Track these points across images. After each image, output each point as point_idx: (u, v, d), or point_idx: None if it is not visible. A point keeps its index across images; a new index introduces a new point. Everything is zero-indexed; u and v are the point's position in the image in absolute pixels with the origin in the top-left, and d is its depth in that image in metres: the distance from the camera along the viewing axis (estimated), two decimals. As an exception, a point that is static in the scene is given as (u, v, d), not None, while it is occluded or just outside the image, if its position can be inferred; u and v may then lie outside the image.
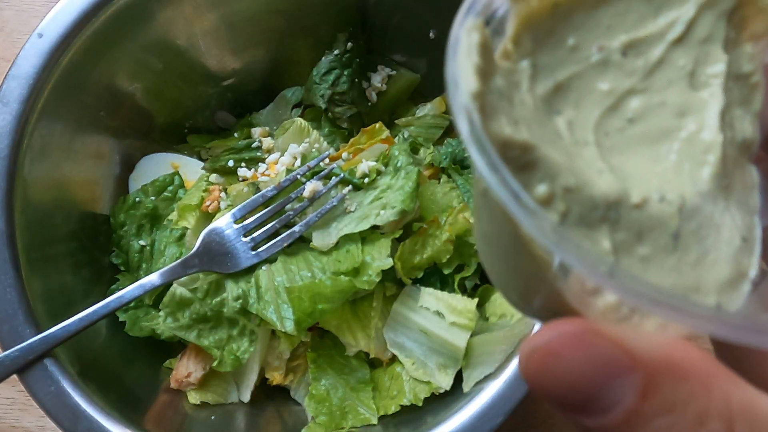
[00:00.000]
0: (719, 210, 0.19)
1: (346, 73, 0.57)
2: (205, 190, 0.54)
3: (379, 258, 0.47)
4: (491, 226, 0.22)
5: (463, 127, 0.17)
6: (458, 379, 0.47)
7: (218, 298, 0.49)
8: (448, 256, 0.49)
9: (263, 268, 0.49)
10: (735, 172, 0.20)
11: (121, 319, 0.52)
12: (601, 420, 0.17)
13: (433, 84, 0.60)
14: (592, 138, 0.20)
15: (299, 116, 0.59)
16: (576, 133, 0.20)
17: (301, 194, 0.50)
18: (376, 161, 0.52)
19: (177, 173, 0.57)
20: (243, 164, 0.56)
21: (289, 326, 0.47)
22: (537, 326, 0.43)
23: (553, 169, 0.18)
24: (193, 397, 0.51)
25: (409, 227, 0.51)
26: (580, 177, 0.18)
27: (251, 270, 0.49)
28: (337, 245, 0.49)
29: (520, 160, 0.18)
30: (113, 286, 0.54)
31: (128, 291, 0.46)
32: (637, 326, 0.18)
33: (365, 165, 0.51)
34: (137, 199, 0.55)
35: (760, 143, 0.19)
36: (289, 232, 0.50)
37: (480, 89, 0.18)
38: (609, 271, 0.16)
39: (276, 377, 0.53)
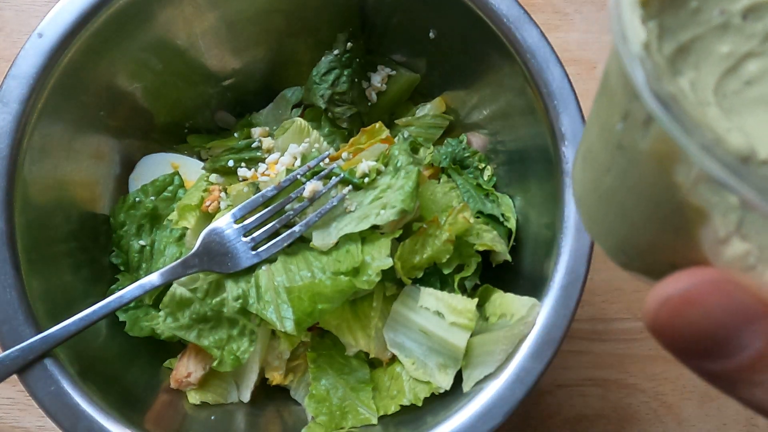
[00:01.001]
0: None
1: (346, 73, 0.57)
2: (205, 190, 0.54)
3: (379, 258, 0.47)
4: (629, 179, 0.22)
5: (639, 75, 0.18)
6: (458, 379, 0.47)
7: (218, 298, 0.49)
8: (447, 256, 0.49)
9: (263, 268, 0.49)
10: None
11: (121, 319, 0.52)
12: (728, 364, 0.18)
13: (433, 84, 0.60)
14: (712, 99, 0.20)
15: (299, 116, 0.59)
16: (698, 94, 0.20)
17: (301, 194, 0.50)
18: (376, 161, 0.52)
19: (177, 173, 0.57)
20: (243, 164, 0.56)
21: (289, 326, 0.47)
22: (538, 326, 0.43)
23: (693, 126, 0.19)
24: (193, 397, 0.51)
25: (409, 227, 0.51)
26: (714, 133, 0.19)
27: (251, 270, 0.49)
28: (337, 245, 0.49)
29: None
30: (113, 286, 0.54)
31: (128, 291, 0.46)
32: (761, 275, 0.19)
33: (365, 165, 0.51)
34: (137, 199, 0.55)
35: None
36: (289, 232, 0.50)
37: (647, 39, 0.19)
38: None
39: (276, 377, 0.53)
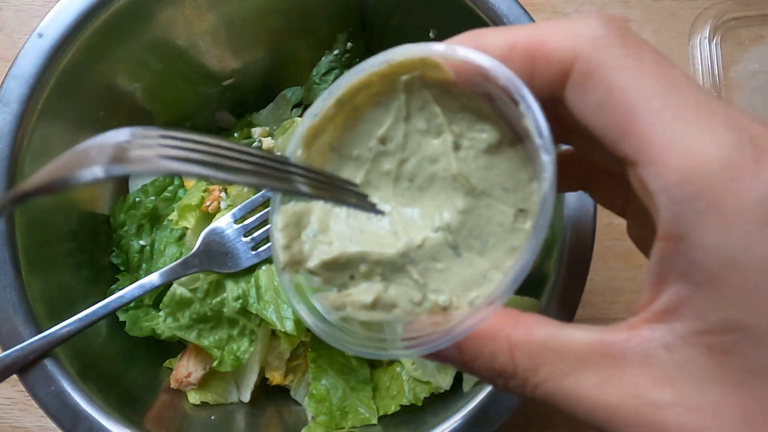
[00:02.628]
0: (484, 207, 0.27)
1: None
2: (205, 190, 0.54)
3: (379, 258, 0.47)
4: None
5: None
6: (458, 379, 0.47)
7: (218, 298, 0.49)
8: (448, 256, 0.49)
9: (263, 268, 0.49)
10: (492, 172, 0.27)
11: (121, 319, 0.52)
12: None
13: (433, 84, 0.60)
14: (393, 204, 0.29)
15: (299, 116, 0.59)
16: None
17: (301, 194, 0.50)
18: (376, 161, 0.52)
19: (177, 173, 0.57)
20: (243, 164, 0.56)
21: (289, 326, 0.47)
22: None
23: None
24: (193, 397, 0.51)
25: (409, 227, 0.50)
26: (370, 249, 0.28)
27: (251, 270, 0.49)
28: (337, 245, 0.49)
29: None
30: (113, 286, 0.54)
31: (128, 291, 0.46)
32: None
33: (365, 165, 0.51)
34: (137, 199, 0.55)
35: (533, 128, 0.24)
36: (289, 232, 0.50)
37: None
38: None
39: (276, 377, 0.53)
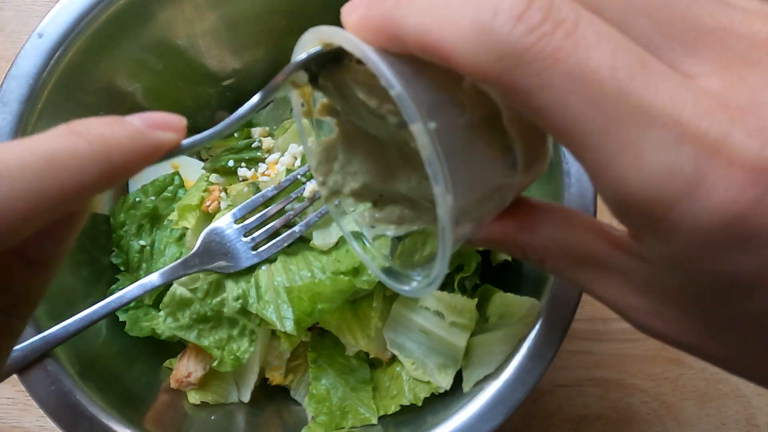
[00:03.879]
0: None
1: (346, 73, 0.57)
2: (205, 190, 0.54)
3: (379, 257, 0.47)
4: None
5: None
6: (458, 379, 0.47)
7: (218, 298, 0.49)
8: (448, 256, 0.49)
9: (263, 268, 0.49)
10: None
11: (121, 319, 0.52)
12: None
13: (433, 84, 0.60)
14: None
15: (299, 116, 0.59)
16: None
17: (302, 194, 0.50)
18: (376, 161, 0.52)
19: (177, 173, 0.57)
20: (243, 164, 0.56)
21: (289, 326, 0.47)
22: (538, 326, 0.43)
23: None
24: (193, 397, 0.51)
25: (409, 227, 0.51)
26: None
27: (251, 270, 0.49)
28: (337, 245, 0.49)
29: None
30: (113, 286, 0.54)
31: (128, 291, 0.46)
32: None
33: (365, 165, 0.51)
34: (137, 199, 0.55)
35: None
36: (289, 232, 0.50)
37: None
38: None
39: (276, 377, 0.53)
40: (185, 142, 0.27)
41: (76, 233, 0.25)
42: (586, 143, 0.21)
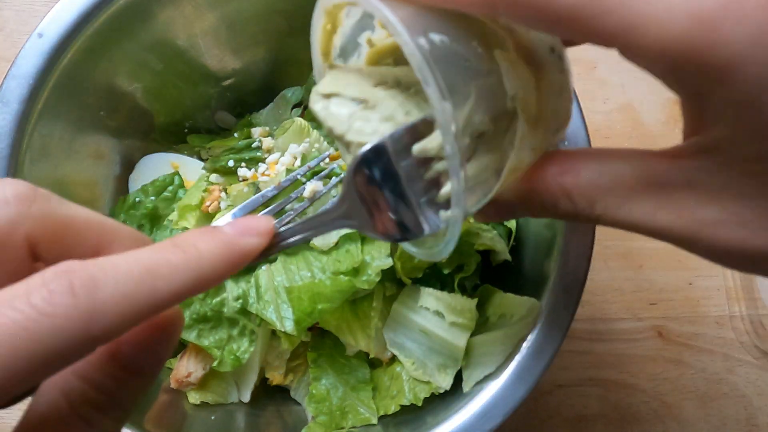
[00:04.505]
0: None
1: (346, 73, 0.57)
2: (205, 190, 0.54)
3: (379, 257, 0.47)
4: None
5: None
6: (458, 379, 0.47)
7: (218, 298, 0.49)
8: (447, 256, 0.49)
9: (263, 267, 0.49)
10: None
11: (121, 319, 0.52)
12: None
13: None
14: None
15: (299, 116, 0.59)
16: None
17: (302, 194, 0.50)
18: (376, 161, 0.52)
19: (177, 173, 0.57)
20: (243, 164, 0.56)
21: (289, 326, 0.47)
22: (538, 326, 0.43)
23: None
24: (193, 397, 0.51)
25: (409, 227, 0.50)
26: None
27: (251, 270, 0.49)
28: (337, 245, 0.49)
29: None
30: (113, 286, 0.54)
31: (128, 291, 0.46)
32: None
33: (365, 165, 0.51)
34: (137, 199, 0.55)
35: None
36: (289, 232, 0.50)
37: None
38: None
39: (276, 377, 0.53)
40: (275, 245, 0.29)
41: (170, 348, 0.26)
42: (606, 7, 0.20)
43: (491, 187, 0.27)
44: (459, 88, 0.24)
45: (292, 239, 0.29)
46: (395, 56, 0.31)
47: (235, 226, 0.26)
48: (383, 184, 0.27)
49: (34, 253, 0.23)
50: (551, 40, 0.27)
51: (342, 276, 0.47)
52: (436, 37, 0.24)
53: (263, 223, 0.27)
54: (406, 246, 0.33)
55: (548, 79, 0.27)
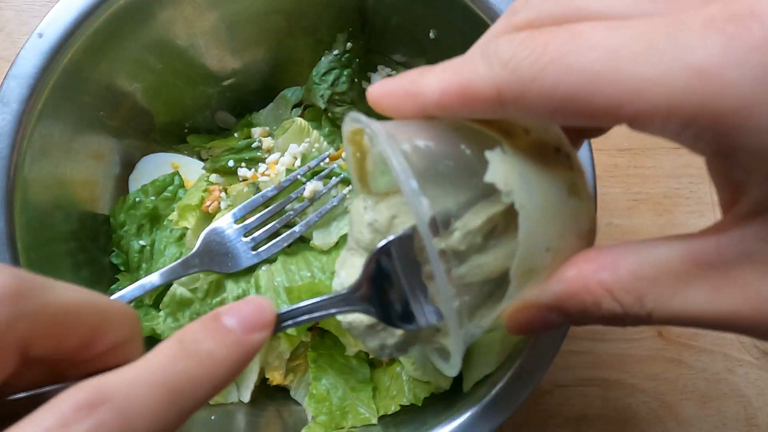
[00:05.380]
0: None
1: (345, 73, 0.57)
2: (205, 190, 0.54)
3: (379, 258, 0.47)
4: None
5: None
6: (458, 379, 0.47)
7: (218, 298, 0.49)
8: (448, 256, 0.49)
9: (263, 268, 0.49)
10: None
11: (121, 319, 0.52)
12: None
13: (433, 84, 0.60)
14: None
15: (299, 116, 0.59)
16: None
17: (302, 194, 0.50)
18: (376, 161, 0.52)
19: (177, 173, 0.57)
20: (243, 164, 0.56)
21: (289, 326, 0.47)
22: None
23: None
24: (193, 397, 0.51)
25: (409, 227, 0.50)
26: None
27: (251, 270, 0.49)
28: (337, 245, 0.49)
29: None
30: (113, 286, 0.54)
31: (128, 291, 0.46)
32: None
33: (365, 165, 0.51)
34: (137, 199, 0.55)
35: None
36: (289, 232, 0.50)
37: None
38: None
39: (276, 377, 0.53)
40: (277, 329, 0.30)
41: None
42: (603, 92, 0.20)
43: (503, 291, 0.27)
44: (445, 188, 0.25)
45: (297, 320, 0.32)
46: None
47: (241, 320, 0.26)
48: (393, 277, 0.29)
49: (25, 349, 0.22)
50: (556, 139, 0.27)
51: (342, 276, 0.46)
52: (421, 143, 0.25)
53: (267, 312, 0.27)
54: (437, 361, 0.35)
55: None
